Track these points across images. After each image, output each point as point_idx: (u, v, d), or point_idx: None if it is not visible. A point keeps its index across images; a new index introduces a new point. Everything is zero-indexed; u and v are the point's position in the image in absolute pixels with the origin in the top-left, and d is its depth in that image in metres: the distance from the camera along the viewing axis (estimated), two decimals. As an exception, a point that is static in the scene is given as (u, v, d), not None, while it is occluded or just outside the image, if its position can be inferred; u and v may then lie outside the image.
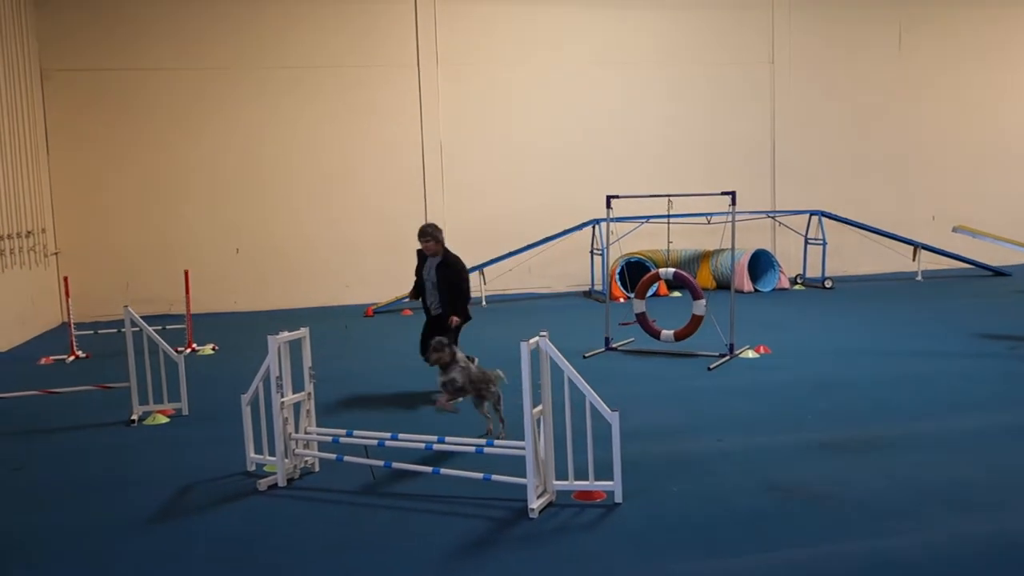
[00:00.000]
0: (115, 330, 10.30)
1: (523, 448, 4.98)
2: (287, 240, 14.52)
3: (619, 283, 14.30)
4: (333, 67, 14.59)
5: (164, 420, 7.37)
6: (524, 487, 4.99)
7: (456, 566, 4.39)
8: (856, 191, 16.55)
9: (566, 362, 5.00)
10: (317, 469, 5.90)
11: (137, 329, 7.37)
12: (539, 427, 5.04)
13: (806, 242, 15.34)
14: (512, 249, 14.50)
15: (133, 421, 7.30)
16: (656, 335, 9.46)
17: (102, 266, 14.05)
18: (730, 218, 9.41)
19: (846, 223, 15.39)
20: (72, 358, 10.40)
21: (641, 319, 9.57)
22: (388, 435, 5.54)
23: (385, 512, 5.13)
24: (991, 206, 17.09)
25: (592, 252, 14.63)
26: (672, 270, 9.63)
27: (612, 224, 10.66)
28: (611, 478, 5.07)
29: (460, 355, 6.44)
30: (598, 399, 5.01)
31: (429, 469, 5.37)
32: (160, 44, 14.06)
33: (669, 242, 10.95)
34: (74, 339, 10.50)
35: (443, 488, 5.38)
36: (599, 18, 15.43)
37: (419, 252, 8.04)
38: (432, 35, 14.83)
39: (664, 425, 6.71)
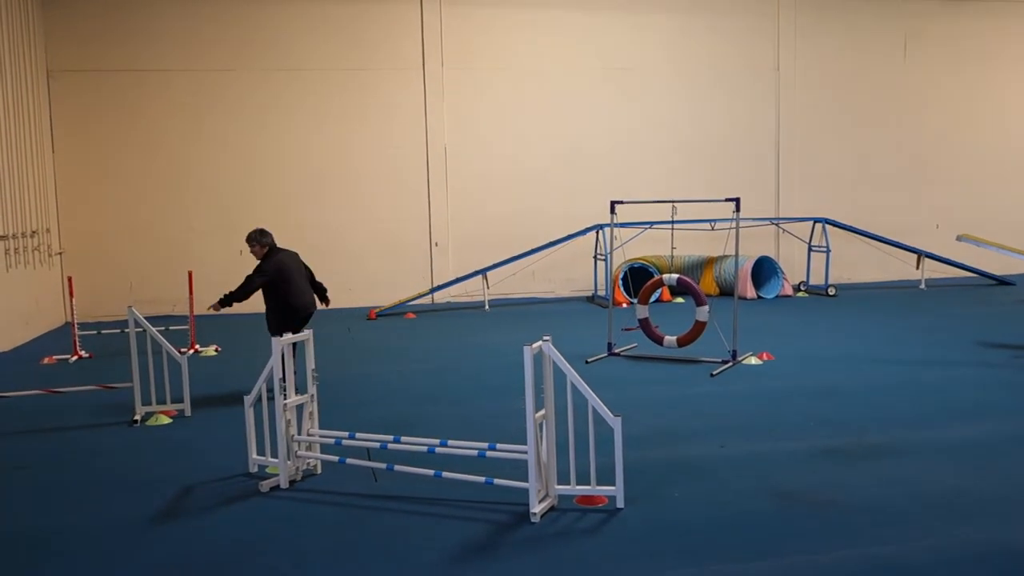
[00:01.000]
0: (118, 330, 10.32)
1: (525, 452, 4.98)
2: (291, 242, 14.37)
3: (622, 288, 14.30)
4: (338, 70, 14.62)
5: (167, 421, 7.37)
6: (526, 491, 4.98)
7: (458, 569, 4.38)
8: (860, 199, 16.55)
9: (569, 367, 5.01)
10: (319, 471, 5.90)
11: (140, 329, 7.38)
12: (542, 431, 5.04)
13: (810, 249, 15.33)
14: (516, 253, 14.51)
15: (136, 421, 7.30)
16: (659, 341, 9.45)
17: (106, 266, 14.08)
18: (734, 224, 9.41)
19: (850, 231, 15.38)
20: (75, 358, 10.42)
21: (644, 325, 9.56)
22: (391, 438, 5.54)
23: (387, 515, 5.12)
24: (995, 215, 17.08)
25: (596, 257, 14.63)
26: (676, 276, 9.62)
27: (616, 229, 10.66)
28: (613, 483, 5.06)
29: None
30: (600, 404, 5.01)
31: (431, 472, 5.37)
32: (166, 46, 14.11)
33: (673, 248, 10.92)
34: (77, 339, 10.52)
35: (445, 491, 5.37)
36: (605, 24, 15.45)
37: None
38: (438, 39, 14.86)
39: (666, 430, 6.70)
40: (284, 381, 5.62)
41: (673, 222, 10.27)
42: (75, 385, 8.03)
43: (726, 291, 14.47)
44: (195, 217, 14.35)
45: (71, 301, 10.78)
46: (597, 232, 14.40)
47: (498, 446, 5.30)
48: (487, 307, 14.16)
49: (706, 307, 9.16)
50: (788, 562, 4.34)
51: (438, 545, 4.65)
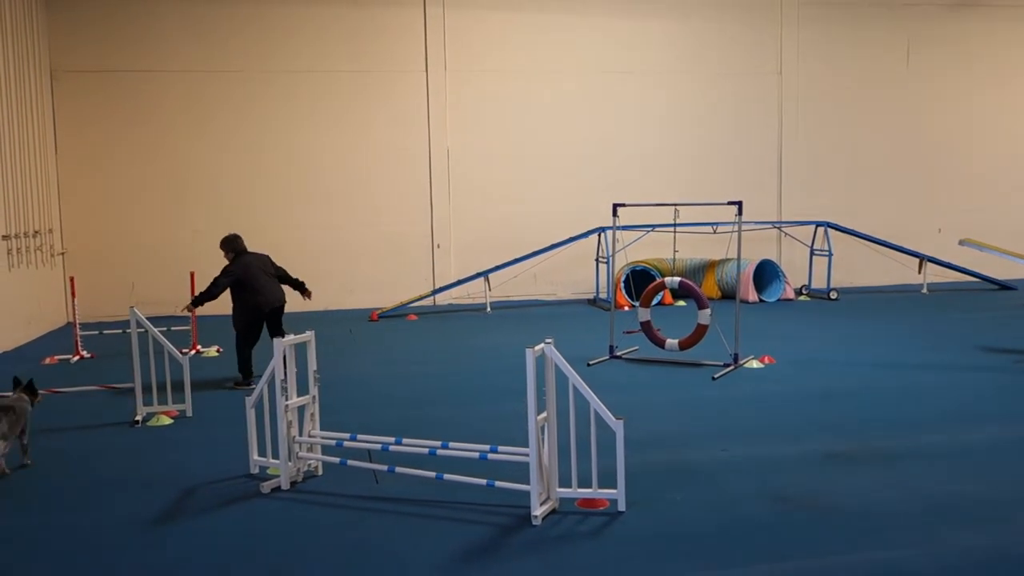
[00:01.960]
0: (120, 331, 10.31)
1: (527, 455, 4.98)
2: (293, 244, 14.51)
3: (624, 291, 14.29)
4: (341, 72, 14.63)
5: (168, 421, 7.37)
6: (527, 494, 4.97)
7: (458, 572, 4.38)
8: (862, 203, 16.54)
9: (571, 369, 5.00)
10: (320, 472, 5.90)
11: (142, 330, 7.39)
12: (543, 434, 5.03)
13: (812, 253, 15.32)
14: (517, 256, 14.50)
15: (137, 422, 7.31)
16: (661, 344, 9.45)
17: (108, 267, 14.09)
18: (736, 228, 9.41)
19: (852, 234, 15.36)
20: (77, 358, 10.42)
21: (646, 328, 9.56)
22: (392, 439, 5.53)
23: (388, 517, 5.12)
24: (998, 219, 17.04)
25: (597, 260, 14.62)
26: (677, 279, 9.62)
27: (618, 232, 10.66)
28: (615, 486, 5.05)
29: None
30: (603, 407, 5.01)
31: (433, 474, 5.36)
32: (170, 46, 14.13)
33: (675, 251, 10.93)
34: (79, 339, 10.53)
35: (446, 493, 5.37)
36: (607, 27, 15.46)
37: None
38: (441, 42, 14.88)
39: (668, 434, 6.69)
40: (285, 382, 5.62)
41: (675, 225, 10.27)
42: (76, 385, 8.04)
43: (728, 294, 14.46)
44: (198, 218, 14.35)
45: (73, 301, 10.79)
46: (599, 235, 14.40)
47: (500, 448, 5.29)
48: (489, 309, 14.16)
49: (708, 310, 9.16)
50: (789, 566, 4.33)
51: (439, 547, 4.64)
